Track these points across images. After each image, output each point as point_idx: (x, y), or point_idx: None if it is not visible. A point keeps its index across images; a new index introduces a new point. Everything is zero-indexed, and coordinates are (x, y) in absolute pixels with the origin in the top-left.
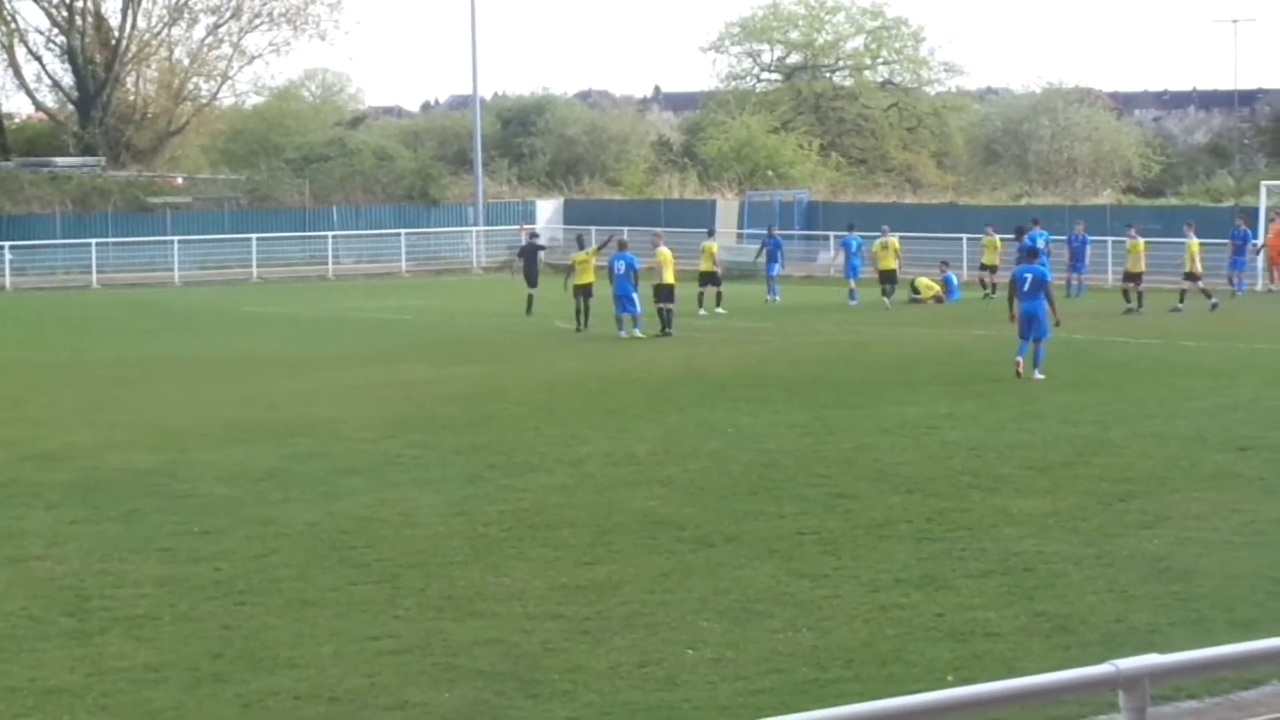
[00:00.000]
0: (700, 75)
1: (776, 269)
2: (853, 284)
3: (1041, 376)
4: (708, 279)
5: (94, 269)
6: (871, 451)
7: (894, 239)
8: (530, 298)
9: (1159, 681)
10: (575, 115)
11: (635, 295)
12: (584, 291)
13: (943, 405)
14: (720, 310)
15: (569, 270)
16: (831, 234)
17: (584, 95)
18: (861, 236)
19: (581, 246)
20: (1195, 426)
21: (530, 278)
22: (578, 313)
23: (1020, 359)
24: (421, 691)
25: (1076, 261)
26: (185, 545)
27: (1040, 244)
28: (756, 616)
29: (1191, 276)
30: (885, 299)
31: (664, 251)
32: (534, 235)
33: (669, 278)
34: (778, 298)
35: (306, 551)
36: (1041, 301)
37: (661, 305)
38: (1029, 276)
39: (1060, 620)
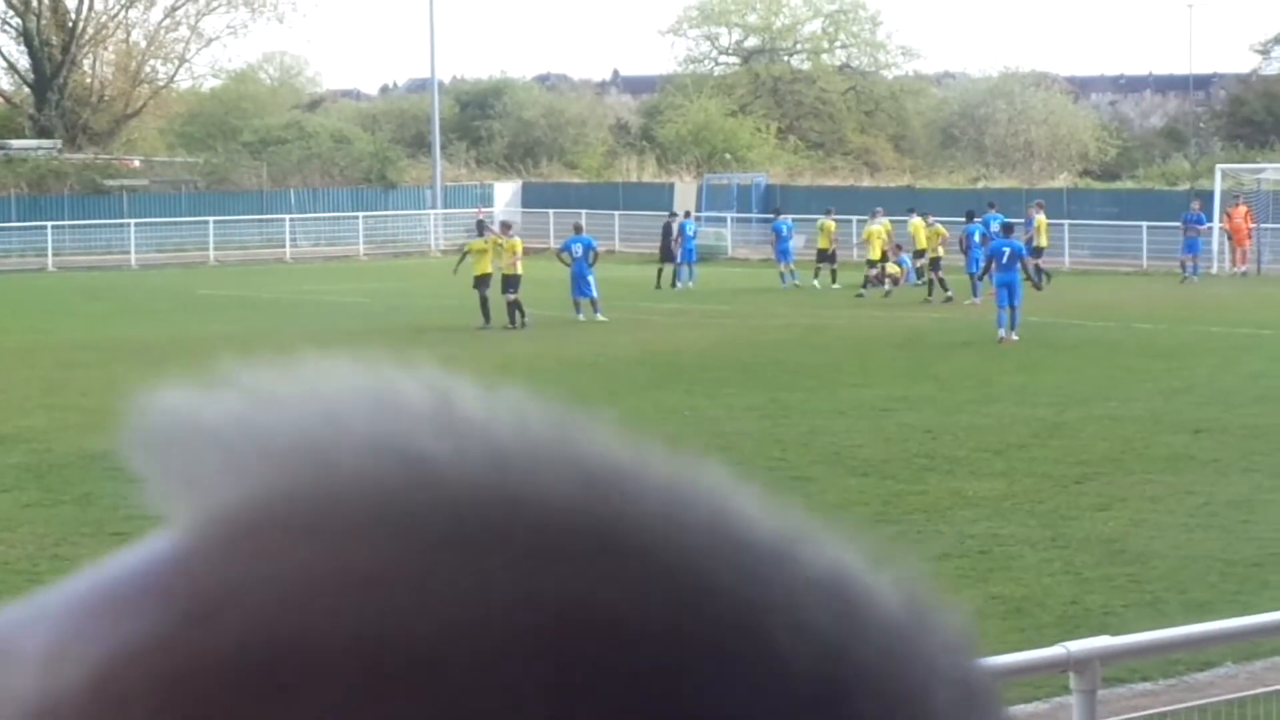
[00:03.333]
0: (658, 58)
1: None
2: (784, 267)
3: (1016, 337)
4: (824, 256)
5: (50, 252)
6: (828, 434)
7: (886, 223)
8: (660, 273)
9: (1110, 663)
10: (533, 98)
11: (592, 278)
12: (481, 283)
13: (899, 388)
14: (835, 286)
15: (461, 257)
16: (790, 217)
17: (542, 78)
18: (793, 220)
19: (481, 233)
20: (1150, 409)
21: (666, 253)
22: (482, 304)
23: (1002, 326)
24: None
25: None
26: (140, 530)
27: (995, 227)
28: None
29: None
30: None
31: (514, 241)
32: (673, 214)
33: (517, 268)
34: (685, 284)
35: None
36: (1017, 272)
37: (507, 297)
38: (1007, 250)
39: (1015, 603)
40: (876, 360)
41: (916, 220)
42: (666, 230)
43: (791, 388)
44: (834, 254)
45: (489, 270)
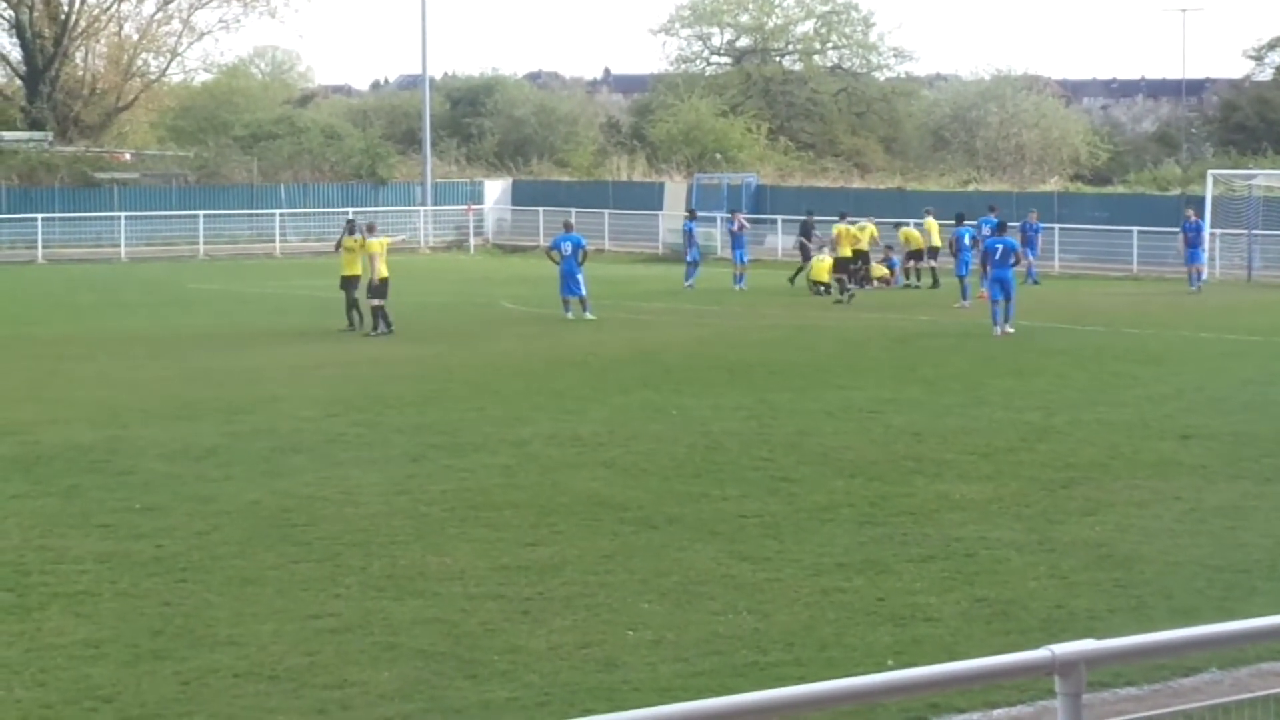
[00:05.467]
0: (650, 58)
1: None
2: (738, 269)
3: (1012, 330)
4: (915, 256)
5: (40, 244)
6: (815, 435)
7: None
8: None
9: (1095, 667)
10: (524, 96)
11: (581, 276)
12: (347, 284)
13: (887, 390)
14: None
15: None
16: (779, 218)
17: (533, 76)
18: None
19: (352, 231)
20: (1138, 414)
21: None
22: (348, 309)
23: (997, 323)
24: (361, 670)
25: (1029, 249)
26: (126, 522)
27: (986, 231)
28: (698, 598)
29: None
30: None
31: (375, 242)
32: (809, 213)
33: (383, 271)
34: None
35: (248, 529)
36: (1011, 268)
37: (374, 302)
38: (1000, 246)
39: (1001, 606)
40: (865, 362)
41: (841, 225)
42: (806, 229)
43: (779, 388)
44: (930, 252)
45: (357, 272)
